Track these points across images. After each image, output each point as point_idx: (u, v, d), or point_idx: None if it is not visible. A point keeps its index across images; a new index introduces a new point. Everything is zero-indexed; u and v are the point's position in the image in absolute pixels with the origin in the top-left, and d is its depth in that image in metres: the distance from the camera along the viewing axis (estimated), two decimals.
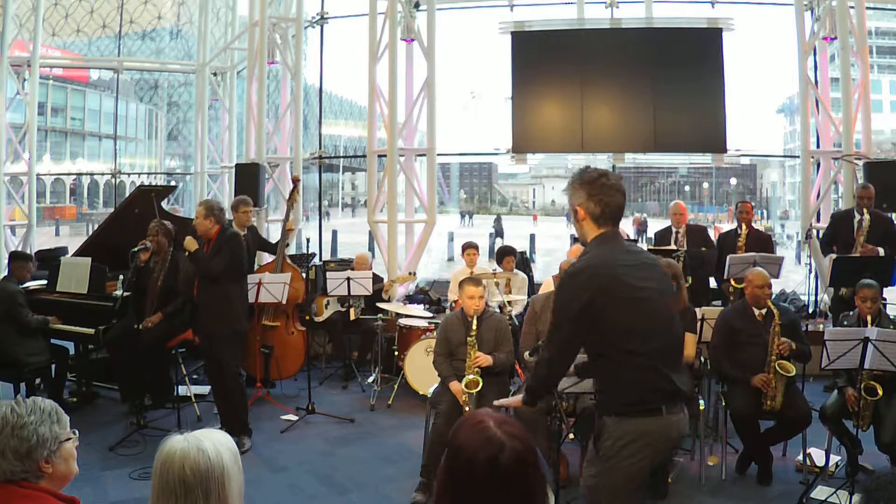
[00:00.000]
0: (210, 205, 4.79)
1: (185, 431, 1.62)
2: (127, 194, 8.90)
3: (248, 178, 7.66)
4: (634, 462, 2.35)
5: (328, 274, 6.33)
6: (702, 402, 4.41)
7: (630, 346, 2.33)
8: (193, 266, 4.77)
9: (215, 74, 9.82)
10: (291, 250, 7.56)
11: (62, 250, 8.00)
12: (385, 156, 7.74)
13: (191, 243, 4.67)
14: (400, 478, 4.36)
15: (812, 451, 4.26)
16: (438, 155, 8.02)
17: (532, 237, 21.19)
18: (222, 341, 4.70)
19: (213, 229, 4.71)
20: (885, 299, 5.22)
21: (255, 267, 6.45)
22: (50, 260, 6.51)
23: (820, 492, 3.94)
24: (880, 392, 3.90)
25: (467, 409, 4.04)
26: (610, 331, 2.34)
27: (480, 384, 4.07)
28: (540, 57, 7.68)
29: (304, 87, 9.38)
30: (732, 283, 5.82)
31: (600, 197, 2.40)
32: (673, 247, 6.14)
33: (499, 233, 23.37)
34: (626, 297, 2.33)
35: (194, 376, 6.23)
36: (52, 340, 5.56)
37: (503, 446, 1.36)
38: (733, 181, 43.33)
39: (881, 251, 5.76)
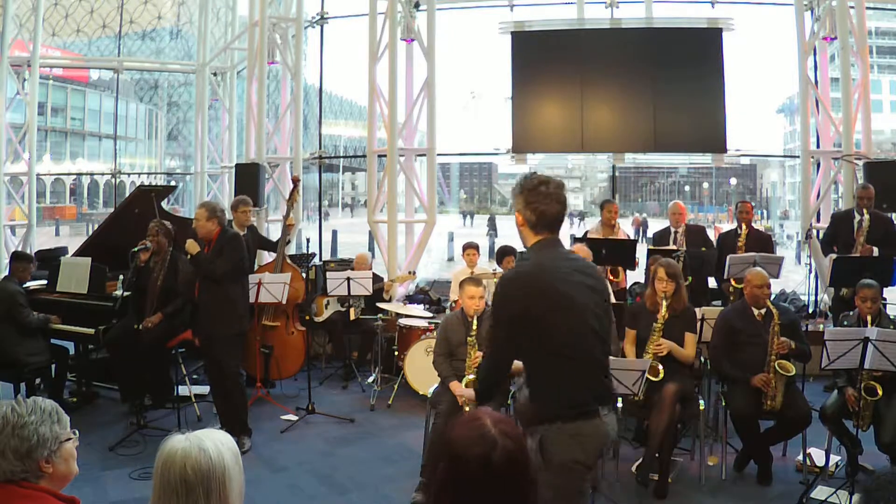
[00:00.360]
0: (212, 207, 4.79)
1: (185, 431, 1.63)
2: (127, 194, 8.90)
3: (248, 178, 7.66)
4: (579, 464, 2.40)
5: (328, 274, 6.33)
6: (702, 402, 4.41)
7: (566, 350, 2.38)
8: (195, 268, 4.76)
9: (215, 74, 9.82)
10: (291, 250, 7.56)
11: (62, 250, 8.00)
12: (385, 156, 7.74)
13: (192, 246, 4.66)
14: (400, 478, 4.36)
15: (812, 451, 4.27)
16: (438, 155, 8.02)
17: None
18: (223, 342, 4.70)
19: (215, 231, 4.71)
20: (885, 299, 5.22)
21: (256, 267, 6.46)
22: (50, 260, 6.51)
23: (820, 492, 3.94)
24: (880, 392, 3.90)
25: (467, 409, 4.04)
26: (545, 336, 2.38)
27: None
28: (540, 57, 7.68)
29: (304, 87, 9.38)
30: (732, 283, 5.82)
31: (536, 205, 2.45)
32: (672, 247, 6.14)
33: (494, 230, 23.60)
34: (561, 304, 2.38)
35: (194, 376, 6.23)
36: (52, 340, 5.56)
37: (496, 444, 1.37)
38: (733, 181, 43.28)
39: (875, 251, 5.76)
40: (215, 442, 1.60)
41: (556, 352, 2.38)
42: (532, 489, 1.42)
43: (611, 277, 5.88)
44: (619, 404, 4.28)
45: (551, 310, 2.37)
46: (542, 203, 2.44)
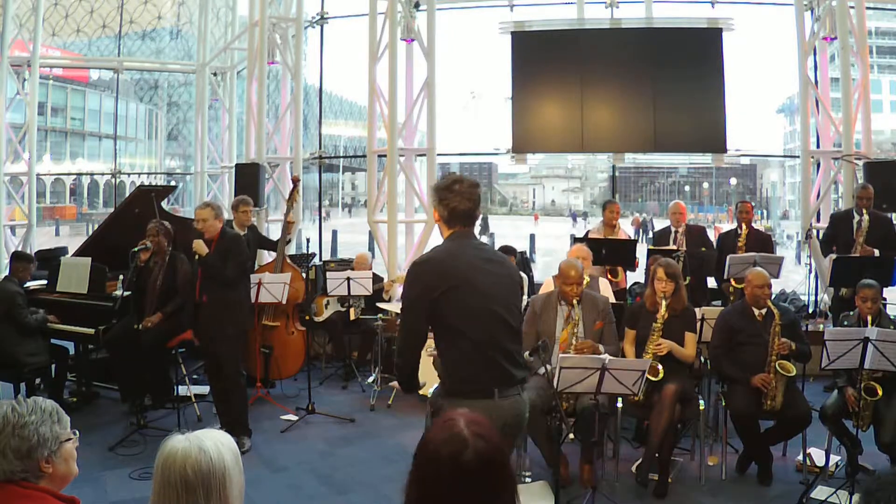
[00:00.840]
0: (217, 206, 4.83)
1: (185, 431, 1.63)
2: (127, 194, 8.90)
3: (248, 178, 7.66)
4: None
5: (328, 274, 6.33)
6: (702, 402, 4.41)
7: (466, 332, 2.57)
8: (204, 270, 4.72)
9: (215, 74, 9.82)
10: (291, 250, 7.57)
11: (62, 250, 7.99)
12: (385, 156, 7.74)
13: (200, 247, 4.63)
14: (400, 478, 4.28)
15: (812, 451, 4.26)
16: (438, 155, 8.01)
17: (532, 237, 21.19)
18: (224, 341, 4.70)
19: (218, 229, 4.71)
20: (884, 299, 5.22)
21: (256, 267, 6.45)
22: (50, 260, 6.50)
23: (820, 492, 3.94)
24: (880, 393, 3.90)
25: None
26: (449, 318, 2.59)
27: None
28: (540, 57, 7.67)
29: (304, 87, 9.38)
30: (733, 283, 5.82)
31: (447, 202, 2.66)
32: (672, 247, 6.14)
33: (486, 228, 23.99)
34: (462, 287, 2.57)
35: (194, 376, 6.23)
36: (52, 340, 5.55)
37: (466, 445, 1.37)
38: (733, 181, 43.31)
39: (877, 253, 5.75)
40: (215, 442, 1.60)
41: (456, 331, 2.59)
42: (507, 489, 1.41)
43: (609, 277, 5.88)
44: (620, 404, 4.29)
45: (452, 292, 2.56)
46: (453, 200, 2.65)
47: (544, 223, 37.37)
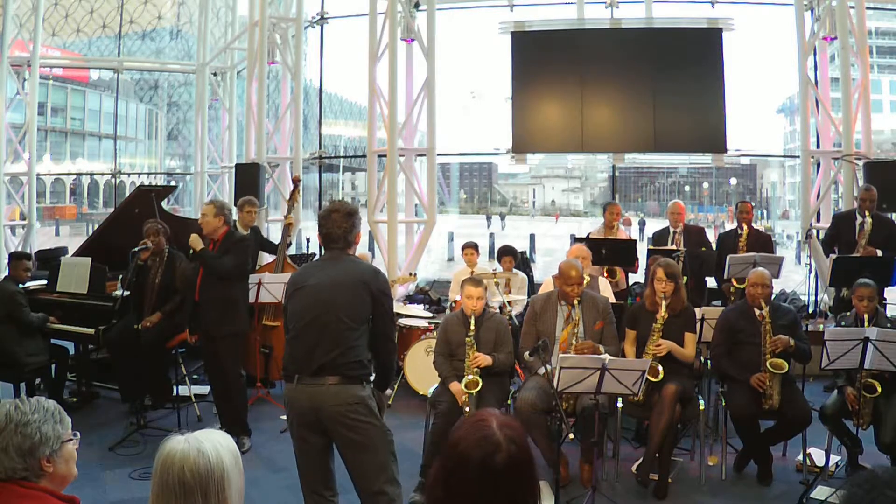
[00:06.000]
0: (221, 204, 4.77)
1: (185, 432, 1.63)
2: (127, 194, 8.90)
3: (248, 178, 7.67)
4: (288, 420, 3.14)
5: None
6: (702, 402, 4.41)
7: (289, 324, 3.06)
8: (199, 265, 4.73)
9: (215, 74, 9.83)
10: (292, 250, 7.56)
11: (62, 250, 7.99)
12: (385, 156, 7.74)
13: (196, 241, 4.63)
14: (400, 478, 4.34)
15: (812, 451, 4.26)
16: (438, 155, 8.02)
17: (532, 237, 21.20)
18: (223, 341, 4.69)
19: (221, 229, 4.69)
20: (884, 299, 5.21)
21: (256, 267, 6.44)
22: (50, 260, 6.50)
23: (820, 492, 3.93)
24: (879, 389, 3.89)
25: (467, 409, 4.04)
26: (287, 314, 3.11)
27: (480, 384, 4.07)
28: (540, 57, 7.68)
29: (305, 87, 9.38)
30: (734, 282, 5.81)
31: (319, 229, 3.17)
32: (672, 247, 6.13)
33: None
34: (292, 290, 3.07)
35: (194, 376, 6.22)
36: (52, 340, 5.55)
37: (499, 447, 1.36)
38: (733, 181, 43.25)
39: (879, 253, 5.75)
40: (214, 444, 1.60)
41: (287, 327, 3.09)
42: (532, 496, 1.41)
43: (607, 278, 5.87)
44: (620, 404, 4.29)
45: (290, 296, 3.08)
46: (322, 227, 3.11)
47: (543, 223, 37.32)
